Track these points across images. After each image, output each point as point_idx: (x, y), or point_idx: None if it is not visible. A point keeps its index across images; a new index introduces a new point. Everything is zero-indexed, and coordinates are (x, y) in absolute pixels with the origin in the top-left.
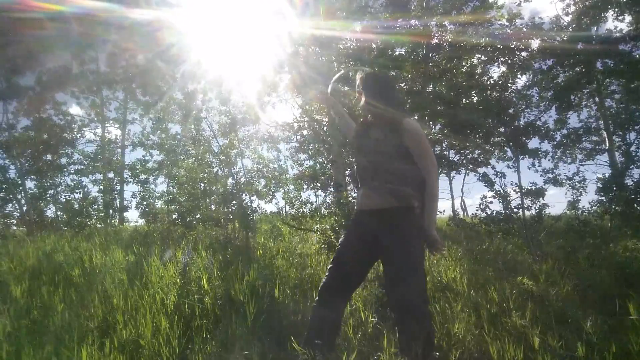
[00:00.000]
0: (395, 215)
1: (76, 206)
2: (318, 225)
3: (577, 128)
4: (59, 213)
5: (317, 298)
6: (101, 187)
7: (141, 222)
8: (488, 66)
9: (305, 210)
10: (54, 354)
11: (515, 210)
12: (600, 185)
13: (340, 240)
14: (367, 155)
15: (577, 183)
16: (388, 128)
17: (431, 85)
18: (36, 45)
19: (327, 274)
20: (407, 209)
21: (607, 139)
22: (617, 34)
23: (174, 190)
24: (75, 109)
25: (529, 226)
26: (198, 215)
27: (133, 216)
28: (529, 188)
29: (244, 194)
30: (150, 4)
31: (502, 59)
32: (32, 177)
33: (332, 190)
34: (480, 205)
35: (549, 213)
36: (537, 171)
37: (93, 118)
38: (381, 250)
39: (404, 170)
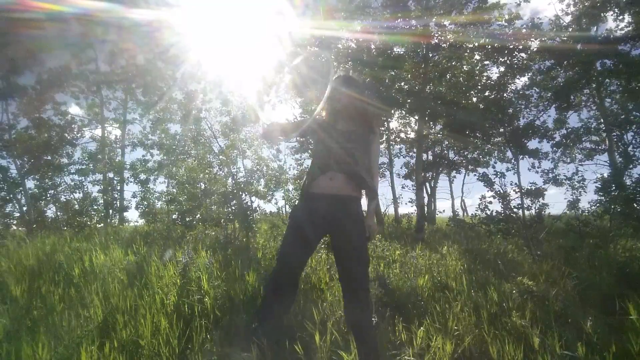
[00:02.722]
0: (352, 202)
1: (76, 206)
2: None
3: (577, 128)
4: (59, 213)
5: (269, 291)
6: (101, 187)
7: (141, 222)
8: (488, 66)
9: None
10: (54, 354)
11: (515, 210)
12: (600, 185)
13: (292, 225)
14: (338, 142)
15: (576, 183)
16: (360, 122)
17: (431, 85)
18: (36, 45)
19: (279, 261)
20: (358, 198)
21: (607, 139)
22: (617, 34)
23: (174, 190)
24: (75, 109)
25: (528, 226)
26: (198, 215)
27: (133, 216)
28: (529, 188)
29: (244, 194)
30: (150, 4)
31: (501, 59)
32: (32, 177)
33: None
34: (480, 205)
35: (549, 213)
36: (537, 172)
37: (91, 119)
38: (335, 233)
39: (365, 162)
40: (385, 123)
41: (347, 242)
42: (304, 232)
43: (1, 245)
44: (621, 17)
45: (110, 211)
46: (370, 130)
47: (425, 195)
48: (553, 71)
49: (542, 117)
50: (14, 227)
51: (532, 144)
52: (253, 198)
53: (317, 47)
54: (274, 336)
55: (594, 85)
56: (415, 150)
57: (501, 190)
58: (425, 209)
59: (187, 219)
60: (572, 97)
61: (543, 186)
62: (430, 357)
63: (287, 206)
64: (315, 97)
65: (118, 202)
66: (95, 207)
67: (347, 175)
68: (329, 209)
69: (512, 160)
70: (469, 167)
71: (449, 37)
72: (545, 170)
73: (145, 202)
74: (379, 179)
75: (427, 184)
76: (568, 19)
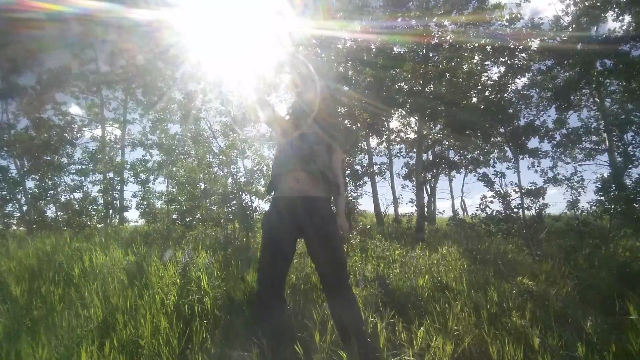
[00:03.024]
0: (320, 203)
1: (76, 206)
2: None
3: (577, 128)
4: (59, 213)
5: (260, 297)
6: (101, 187)
7: (141, 222)
8: (488, 66)
9: None
10: (54, 354)
11: (515, 210)
12: (600, 185)
13: (267, 233)
14: (297, 143)
15: (575, 183)
16: (326, 126)
17: (431, 85)
18: (36, 45)
19: (263, 271)
20: (327, 198)
21: (607, 139)
22: (618, 34)
23: (174, 190)
24: (75, 109)
25: (529, 226)
26: (198, 215)
27: (133, 216)
28: (529, 188)
29: (244, 194)
30: (150, 4)
31: (501, 59)
32: (32, 177)
33: None
34: (480, 205)
35: (549, 213)
36: (536, 171)
37: (91, 119)
38: (307, 237)
39: (327, 161)
40: (386, 123)
41: (320, 244)
42: (278, 239)
43: (1, 245)
44: (621, 17)
45: (110, 211)
46: (333, 136)
47: (425, 195)
48: (553, 71)
49: (542, 117)
50: (14, 227)
51: (532, 143)
52: (253, 198)
53: (317, 47)
54: (273, 336)
55: (594, 85)
56: (415, 150)
57: (501, 190)
58: (425, 209)
59: (187, 219)
60: (572, 97)
61: (543, 186)
62: (430, 357)
63: None
64: (310, 99)
65: (118, 202)
66: (95, 207)
67: (309, 174)
68: (298, 212)
69: (512, 160)
70: (469, 167)
71: (449, 37)
72: (545, 170)
73: (145, 202)
74: (379, 178)
75: (427, 184)
76: (568, 19)
